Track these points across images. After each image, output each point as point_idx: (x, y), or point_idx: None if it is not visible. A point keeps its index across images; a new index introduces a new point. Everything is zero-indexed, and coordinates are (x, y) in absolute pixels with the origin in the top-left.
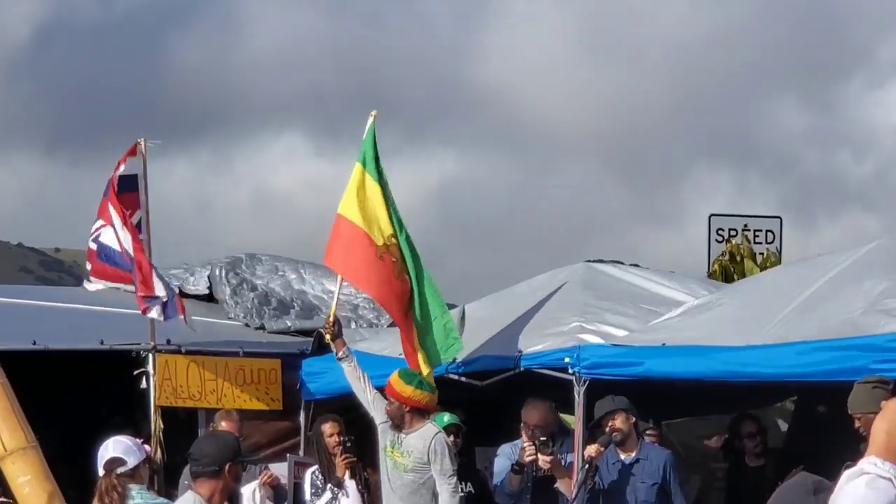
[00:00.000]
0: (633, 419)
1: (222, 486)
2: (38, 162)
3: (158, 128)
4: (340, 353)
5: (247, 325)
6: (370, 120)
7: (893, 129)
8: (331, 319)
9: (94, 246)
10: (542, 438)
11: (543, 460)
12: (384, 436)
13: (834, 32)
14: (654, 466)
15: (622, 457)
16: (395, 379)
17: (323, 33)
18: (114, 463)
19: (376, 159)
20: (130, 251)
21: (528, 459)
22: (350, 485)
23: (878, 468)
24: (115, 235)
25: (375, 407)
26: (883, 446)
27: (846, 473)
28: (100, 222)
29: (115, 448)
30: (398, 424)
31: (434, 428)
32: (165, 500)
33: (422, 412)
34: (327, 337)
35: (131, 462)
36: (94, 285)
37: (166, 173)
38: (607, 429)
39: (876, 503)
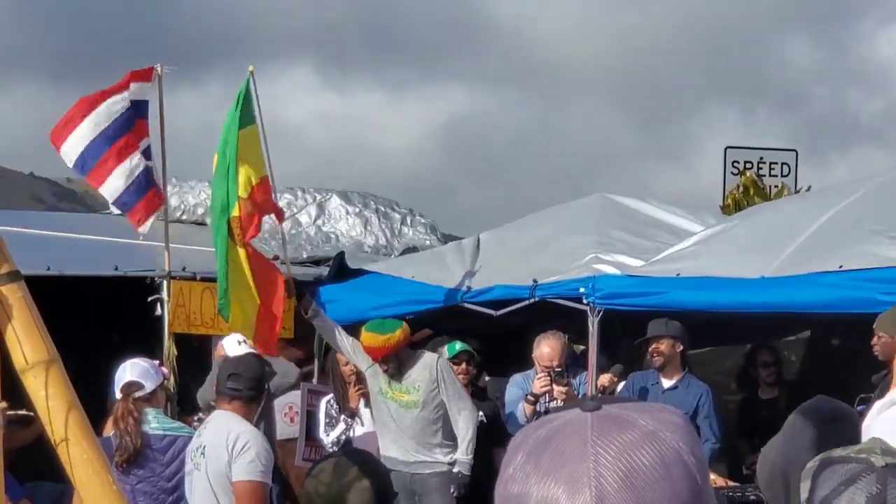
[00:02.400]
0: (682, 347)
1: (256, 412)
2: (46, 92)
3: (166, 58)
4: (309, 313)
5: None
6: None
7: None
8: (288, 278)
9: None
10: (557, 369)
11: (558, 391)
12: (375, 380)
13: None
14: (691, 397)
15: (662, 381)
16: (371, 338)
17: None
18: (131, 387)
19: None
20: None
21: (542, 390)
22: (365, 413)
23: None
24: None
25: (356, 354)
26: None
27: (878, 404)
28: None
29: (133, 371)
30: (400, 371)
31: (433, 355)
32: (181, 425)
33: (409, 346)
34: (291, 298)
35: (149, 386)
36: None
37: (172, 104)
38: (651, 352)
39: None
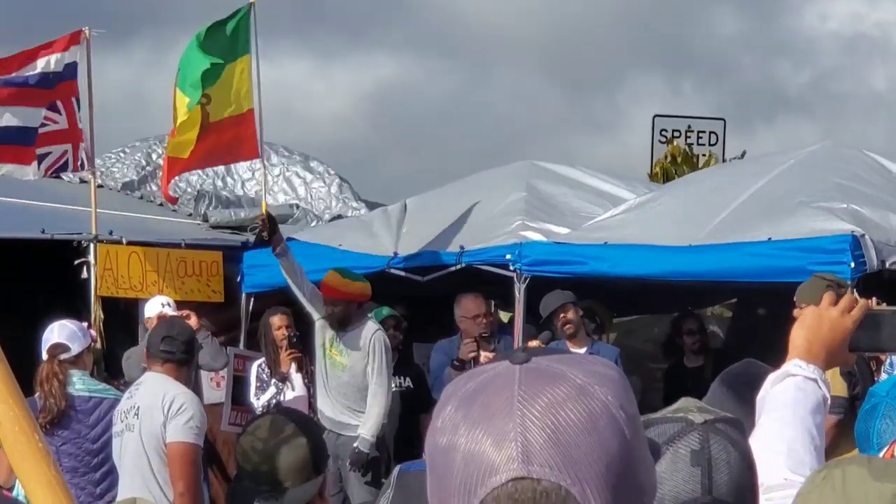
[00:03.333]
0: (581, 313)
1: (185, 376)
2: None
3: (95, 22)
4: (278, 249)
5: (189, 215)
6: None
7: (831, 37)
8: (263, 215)
9: None
10: (484, 334)
11: (485, 356)
12: (322, 332)
13: None
14: None
15: (571, 350)
16: (334, 278)
17: None
18: (57, 348)
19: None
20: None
21: (470, 356)
22: (296, 378)
23: (804, 370)
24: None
25: (313, 302)
26: (804, 350)
27: (772, 376)
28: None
29: (61, 333)
30: (344, 323)
31: (374, 326)
32: (107, 387)
33: (362, 306)
34: (263, 234)
35: (75, 349)
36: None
37: (99, 69)
38: (559, 322)
39: (806, 404)
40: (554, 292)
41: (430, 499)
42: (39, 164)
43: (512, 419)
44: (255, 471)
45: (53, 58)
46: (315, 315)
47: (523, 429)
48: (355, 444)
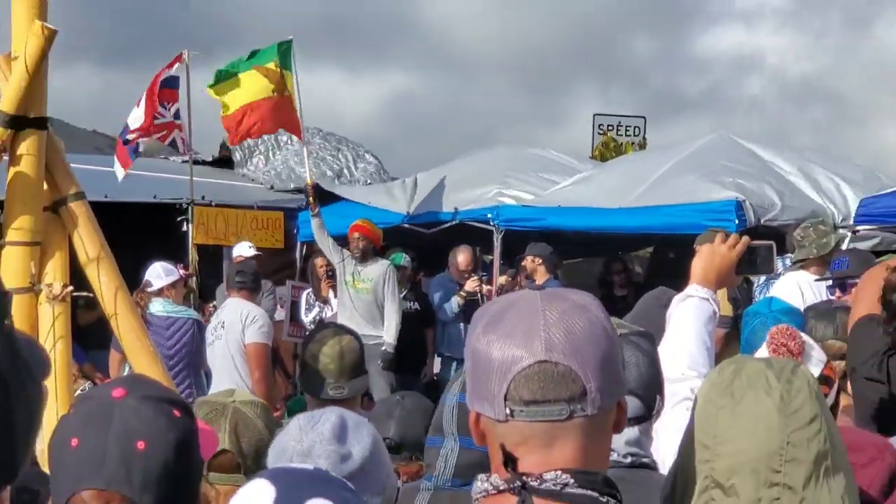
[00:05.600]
0: (540, 260)
1: (254, 299)
2: (93, 69)
3: (189, 45)
4: (315, 211)
5: (260, 184)
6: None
7: (720, 56)
8: (309, 184)
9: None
10: (483, 275)
11: (487, 289)
12: (344, 270)
13: None
14: None
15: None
16: (364, 221)
17: None
18: (144, 284)
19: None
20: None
21: (475, 288)
22: (333, 301)
23: (700, 292)
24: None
25: (333, 252)
26: (701, 277)
27: (676, 298)
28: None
29: (150, 273)
30: (364, 256)
31: (386, 262)
32: (183, 308)
33: (376, 248)
34: (310, 199)
35: (156, 284)
36: (122, 173)
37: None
38: (523, 263)
39: (701, 318)
40: (530, 244)
41: (468, 387)
42: (145, 137)
43: (538, 322)
44: (324, 368)
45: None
46: (333, 260)
47: (546, 328)
48: (384, 348)
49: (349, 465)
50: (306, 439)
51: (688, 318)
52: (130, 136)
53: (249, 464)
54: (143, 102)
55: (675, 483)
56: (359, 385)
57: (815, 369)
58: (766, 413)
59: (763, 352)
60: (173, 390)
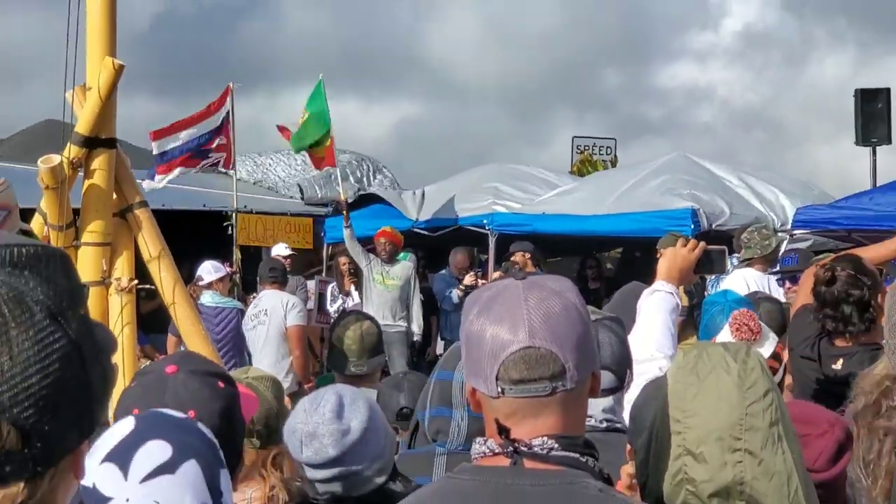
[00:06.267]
0: (528, 255)
1: (286, 289)
2: (149, 99)
3: (233, 77)
4: (347, 223)
5: (291, 197)
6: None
7: (678, 89)
8: (342, 200)
9: (157, 152)
10: (479, 271)
11: (482, 283)
12: (372, 271)
13: (642, 28)
14: None
15: None
16: (391, 229)
17: (333, 25)
18: (196, 279)
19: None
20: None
21: (472, 282)
22: (354, 293)
23: (665, 287)
24: (194, 136)
25: (362, 256)
26: (665, 274)
27: (645, 291)
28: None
29: (202, 269)
30: (391, 256)
31: (410, 263)
32: (229, 300)
33: (398, 249)
34: (343, 212)
35: (206, 279)
36: (154, 183)
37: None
38: (512, 259)
39: (666, 308)
40: (516, 243)
41: (465, 367)
42: (203, 161)
43: (521, 311)
44: (348, 348)
45: (220, 114)
46: (361, 263)
47: (528, 315)
48: (415, 338)
49: (350, 438)
50: (311, 421)
51: (655, 308)
52: (205, 150)
53: (260, 429)
54: (201, 128)
55: (648, 452)
56: (377, 363)
57: (769, 347)
58: (726, 390)
59: (726, 332)
60: (221, 368)
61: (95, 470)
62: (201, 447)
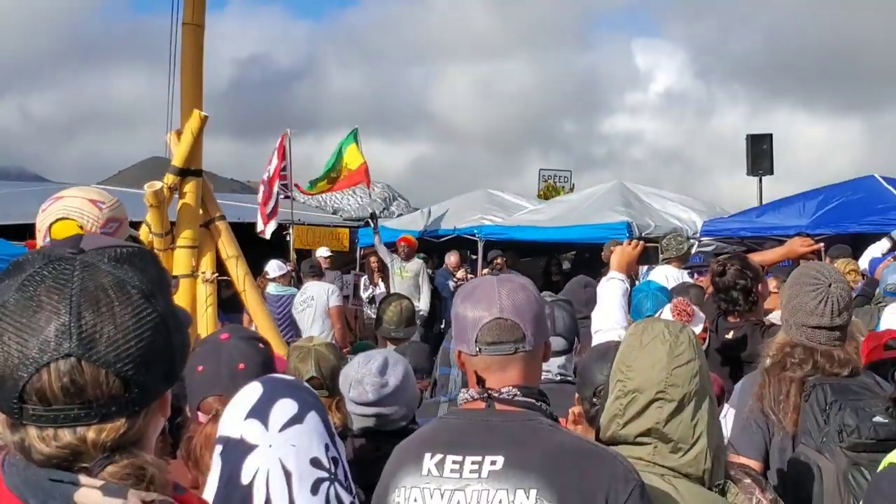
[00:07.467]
0: (504, 258)
1: (323, 280)
2: (228, 139)
3: (290, 124)
4: (376, 231)
5: (333, 213)
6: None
7: (622, 133)
8: (372, 216)
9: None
10: (467, 267)
11: (471, 277)
12: (393, 266)
13: (591, 90)
14: None
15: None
16: (410, 237)
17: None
18: (264, 274)
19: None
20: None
21: (463, 276)
22: (381, 285)
23: (617, 276)
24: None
25: (387, 256)
26: (616, 266)
27: (602, 280)
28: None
29: (269, 266)
30: (409, 256)
31: (421, 261)
32: (288, 288)
33: (414, 251)
34: (372, 226)
35: (272, 274)
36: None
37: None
38: (496, 262)
39: (619, 293)
40: (494, 250)
41: (453, 336)
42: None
43: (494, 296)
44: (389, 319)
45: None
46: (387, 261)
47: (500, 298)
48: (421, 312)
49: (386, 390)
50: (361, 370)
51: (611, 292)
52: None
53: (328, 384)
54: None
55: (595, 392)
56: (410, 331)
57: (699, 326)
58: (659, 356)
59: (666, 312)
60: (259, 334)
61: (240, 424)
62: (316, 402)
